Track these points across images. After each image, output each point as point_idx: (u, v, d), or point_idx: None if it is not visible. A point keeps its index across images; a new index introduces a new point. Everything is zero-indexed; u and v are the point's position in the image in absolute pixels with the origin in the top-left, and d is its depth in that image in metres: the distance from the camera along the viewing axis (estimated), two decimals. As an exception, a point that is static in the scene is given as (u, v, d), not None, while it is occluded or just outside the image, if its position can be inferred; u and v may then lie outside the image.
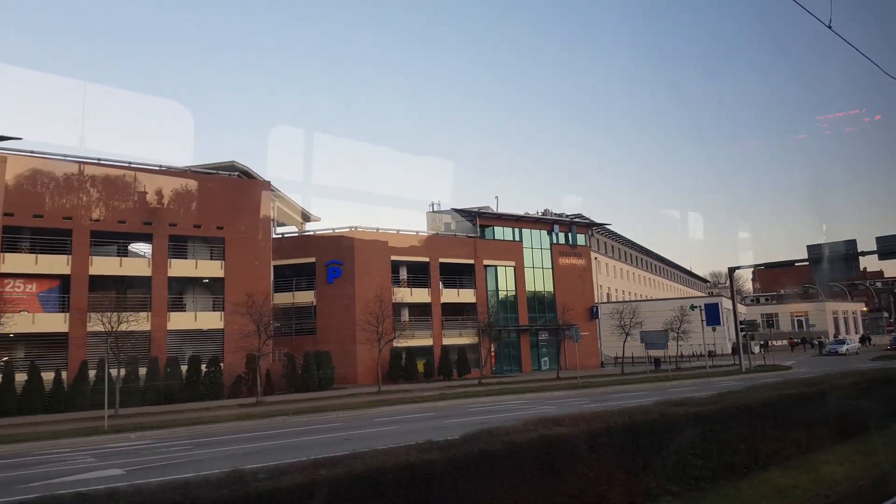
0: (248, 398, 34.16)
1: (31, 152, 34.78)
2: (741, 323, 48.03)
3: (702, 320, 46.79)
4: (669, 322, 45.89)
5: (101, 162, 36.58)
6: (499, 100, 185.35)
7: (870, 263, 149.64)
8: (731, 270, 51.91)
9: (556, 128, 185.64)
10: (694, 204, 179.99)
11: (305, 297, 45.26)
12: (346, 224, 47.99)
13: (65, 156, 35.63)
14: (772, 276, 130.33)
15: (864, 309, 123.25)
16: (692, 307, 47.82)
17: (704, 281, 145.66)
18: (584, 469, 7.63)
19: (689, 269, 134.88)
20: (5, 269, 33.14)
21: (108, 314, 29.21)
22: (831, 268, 43.51)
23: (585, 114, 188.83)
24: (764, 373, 40.35)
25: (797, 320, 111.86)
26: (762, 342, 75.19)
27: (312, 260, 45.34)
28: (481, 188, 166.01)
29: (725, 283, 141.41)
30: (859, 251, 40.45)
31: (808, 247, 43.12)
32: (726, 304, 57.49)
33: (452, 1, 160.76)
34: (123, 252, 37.78)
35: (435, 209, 56.53)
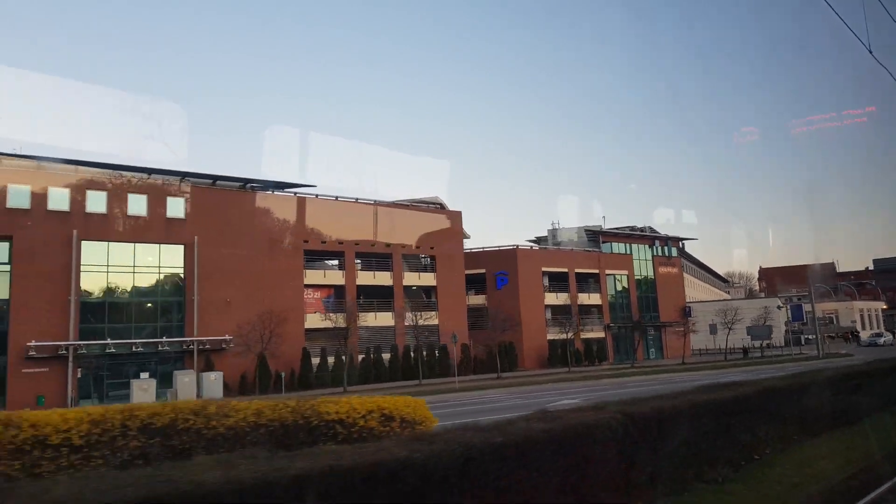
0: (489, 374, 46.35)
1: (317, 195, 46.93)
2: (819, 319, 60.19)
3: (788, 317, 58.88)
4: (756, 319, 58.07)
5: (359, 201, 48.72)
6: (490, 99, 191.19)
7: (871, 263, 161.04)
8: (807, 275, 64.05)
9: (552, 127, 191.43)
10: (688, 203, 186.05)
11: (477, 300, 57.26)
12: (493, 241, 59.98)
13: (336, 197, 47.79)
14: (779, 276, 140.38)
15: (885, 307, 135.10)
16: (778, 307, 59.93)
17: (724, 280, 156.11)
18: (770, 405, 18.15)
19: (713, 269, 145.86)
20: (306, 281, 45.32)
21: (372, 314, 41.52)
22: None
23: (581, 113, 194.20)
24: (837, 358, 52.08)
25: (828, 317, 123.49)
26: (808, 336, 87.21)
27: (483, 271, 57.36)
28: (475, 189, 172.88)
29: (739, 282, 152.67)
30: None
31: (875, 260, 55.08)
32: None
33: (449, 3, 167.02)
34: (375, 268, 49.81)
35: (554, 226, 68.64)
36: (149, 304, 40.24)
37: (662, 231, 72.17)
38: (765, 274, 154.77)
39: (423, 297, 52.03)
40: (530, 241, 70.11)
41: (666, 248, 68.66)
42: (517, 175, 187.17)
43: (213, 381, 31.09)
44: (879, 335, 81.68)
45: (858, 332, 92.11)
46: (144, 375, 38.55)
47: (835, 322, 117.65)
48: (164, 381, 38.21)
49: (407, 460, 5.63)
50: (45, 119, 45.92)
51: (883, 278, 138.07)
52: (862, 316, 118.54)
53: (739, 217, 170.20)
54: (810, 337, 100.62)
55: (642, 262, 66.13)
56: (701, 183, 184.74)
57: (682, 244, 72.53)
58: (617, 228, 67.51)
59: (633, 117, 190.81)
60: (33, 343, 34.65)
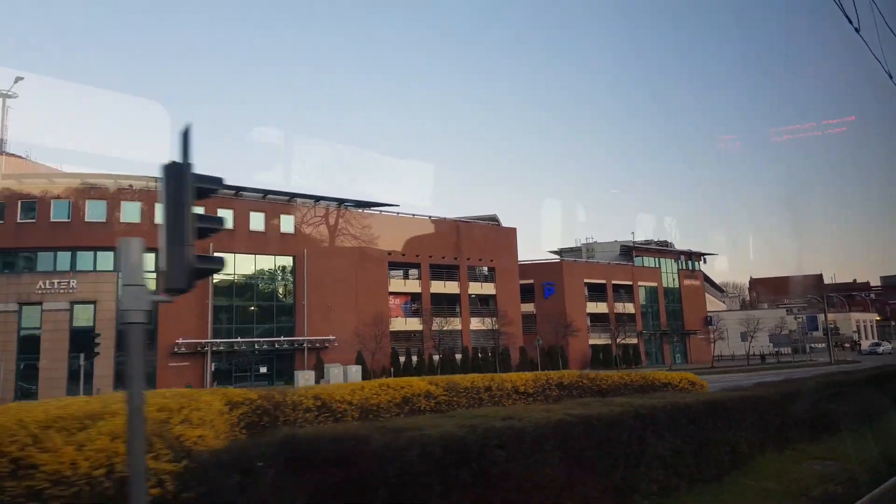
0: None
1: (398, 213, 53.06)
2: (833, 329, 66.74)
3: (802, 326, 65.36)
4: (772, 329, 64.58)
5: (431, 218, 54.87)
6: (474, 102, 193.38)
7: (860, 275, 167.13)
8: (823, 289, 70.61)
9: (535, 131, 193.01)
10: (673, 209, 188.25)
11: (527, 307, 63.37)
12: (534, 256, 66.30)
13: (413, 214, 53.95)
14: (771, 286, 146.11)
15: (878, 318, 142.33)
16: (796, 318, 66.43)
17: (721, 290, 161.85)
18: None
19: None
20: (389, 289, 51.38)
21: (442, 319, 47.76)
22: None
23: (563, 117, 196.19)
24: (847, 364, 58.43)
25: (825, 327, 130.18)
26: (811, 344, 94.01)
27: (531, 281, 63.51)
28: (466, 192, 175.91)
29: (734, 292, 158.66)
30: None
31: (882, 277, 61.70)
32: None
33: (435, 10, 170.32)
34: (444, 278, 55.87)
35: (588, 240, 75.03)
36: (265, 308, 46.19)
37: (658, 240, 78.82)
38: (755, 284, 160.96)
39: (485, 305, 58.16)
40: (552, 251, 76.51)
41: (689, 262, 75.15)
42: (500, 178, 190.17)
43: (354, 373, 36.92)
44: (878, 344, 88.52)
45: (859, 342, 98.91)
46: (263, 369, 44.64)
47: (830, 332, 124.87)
48: (281, 375, 44.35)
49: (723, 399, 11.67)
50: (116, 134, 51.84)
51: (888, 293, 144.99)
52: (858, 326, 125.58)
53: (724, 225, 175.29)
54: (814, 345, 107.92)
55: (669, 274, 72.55)
56: (685, 190, 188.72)
57: (704, 259, 79.03)
58: (645, 242, 73.96)
59: (615, 122, 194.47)
60: (181, 341, 40.56)
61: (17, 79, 33.31)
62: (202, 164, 5.14)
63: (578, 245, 78.02)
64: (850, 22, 9.88)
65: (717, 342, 65.42)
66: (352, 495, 5.28)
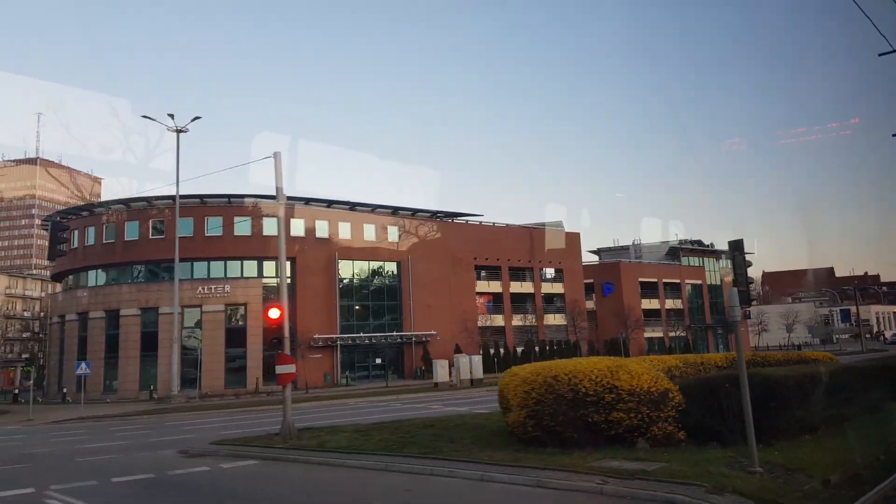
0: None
1: (480, 222, 59.11)
2: (863, 321, 72.31)
3: (837, 319, 70.92)
4: (807, 321, 70.29)
5: (508, 225, 60.83)
6: (481, 107, 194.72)
7: (871, 268, 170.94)
8: (857, 284, 76.16)
9: (542, 135, 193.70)
10: (677, 210, 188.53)
11: (588, 304, 69.30)
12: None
13: (493, 223, 59.99)
14: (782, 280, 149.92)
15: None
16: (830, 311, 72.04)
17: None
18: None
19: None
20: (476, 290, 57.48)
21: (524, 315, 53.64)
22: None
23: (568, 121, 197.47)
24: (878, 352, 63.82)
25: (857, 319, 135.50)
26: (837, 335, 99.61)
27: (591, 280, 69.37)
28: (462, 193, 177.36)
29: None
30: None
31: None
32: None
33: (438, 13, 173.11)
34: (521, 278, 61.87)
35: (636, 242, 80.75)
36: (377, 307, 52.36)
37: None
38: (767, 278, 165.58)
39: (552, 303, 64.15)
40: (591, 251, 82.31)
41: (729, 260, 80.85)
42: (506, 181, 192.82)
43: (476, 362, 42.81)
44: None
45: (883, 332, 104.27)
46: (377, 360, 50.90)
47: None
48: (391, 365, 50.64)
49: (861, 366, 17.55)
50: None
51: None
52: (878, 318, 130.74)
53: (730, 222, 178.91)
54: (840, 336, 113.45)
55: (711, 272, 78.25)
56: (690, 189, 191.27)
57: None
58: (687, 241, 79.73)
59: (621, 126, 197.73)
60: (317, 336, 46.80)
61: (195, 118, 39.08)
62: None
63: (615, 245, 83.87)
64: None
65: (754, 333, 71.06)
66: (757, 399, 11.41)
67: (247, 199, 47.17)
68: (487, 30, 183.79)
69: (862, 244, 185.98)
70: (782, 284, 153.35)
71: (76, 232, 48.55)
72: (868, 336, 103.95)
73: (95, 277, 48.60)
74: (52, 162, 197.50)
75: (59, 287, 57.41)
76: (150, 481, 12.23)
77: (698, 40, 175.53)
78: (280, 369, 17.44)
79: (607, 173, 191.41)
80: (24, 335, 67.45)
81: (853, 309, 77.57)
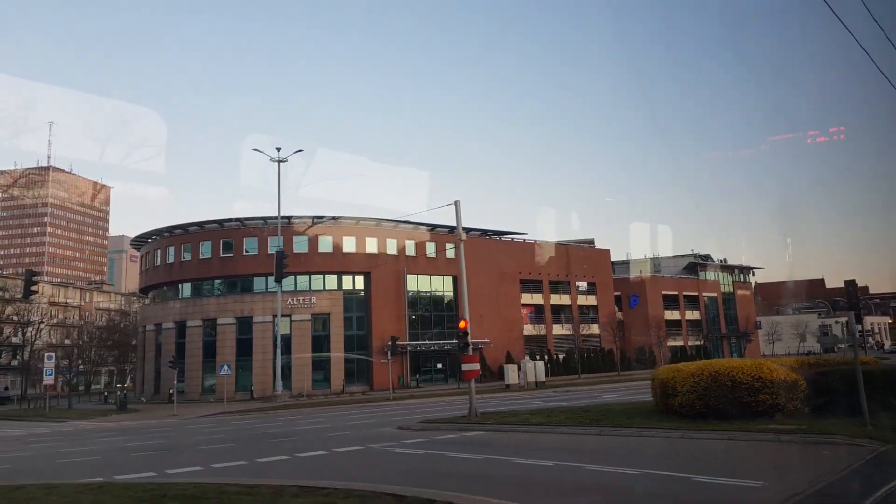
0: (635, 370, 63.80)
1: (524, 240, 64.43)
2: (864, 332, 78.04)
3: (843, 329, 76.42)
4: (815, 332, 75.85)
5: (548, 242, 66.23)
6: (465, 110, 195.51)
7: (858, 279, 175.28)
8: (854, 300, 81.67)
9: (530, 140, 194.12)
10: (665, 217, 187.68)
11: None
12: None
13: (535, 241, 65.33)
14: (773, 291, 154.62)
15: (891, 321, 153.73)
16: (836, 322, 77.71)
17: None
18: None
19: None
20: (521, 302, 62.76)
21: (562, 324, 58.97)
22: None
23: (556, 126, 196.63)
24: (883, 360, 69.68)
25: (859, 330, 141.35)
26: (839, 345, 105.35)
27: (619, 293, 74.83)
28: (452, 195, 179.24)
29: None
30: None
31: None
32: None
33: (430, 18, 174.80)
34: (559, 291, 67.23)
35: (655, 255, 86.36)
36: (437, 317, 57.54)
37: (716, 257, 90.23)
38: (759, 289, 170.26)
39: (586, 314, 69.53)
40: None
41: (742, 274, 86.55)
42: (495, 184, 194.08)
43: (540, 366, 47.97)
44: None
45: (883, 342, 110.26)
46: (439, 365, 56.00)
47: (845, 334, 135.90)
48: (449, 369, 55.73)
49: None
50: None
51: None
52: (872, 328, 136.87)
53: (717, 233, 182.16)
54: (840, 346, 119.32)
55: (725, 285, 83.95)
56: (678, 198, 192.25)
57: (753, 272, 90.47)
58: (703, 257, 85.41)
59: (610, 133, 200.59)
60: (389, 343, 51.87)
61: (297, 150, 44.04)
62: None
63: (627, 259, 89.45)
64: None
65: (764, 343, 76.52)
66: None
67: (325, 219, 52.33)
68: (477, 37, 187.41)
69: (849, 255, 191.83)
70: (774, 295, 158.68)
71: (171, 249, 53.48)
72: (866, 346, 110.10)
73: (186, 290, 53.55)
74: (63, 170, 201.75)
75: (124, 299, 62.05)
76: (418, 444, 17.21)
77: (686, 46, 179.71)
78: (466, 367, 22.70)
79: (596, 178, 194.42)
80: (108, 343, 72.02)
81: (852, 318, 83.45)
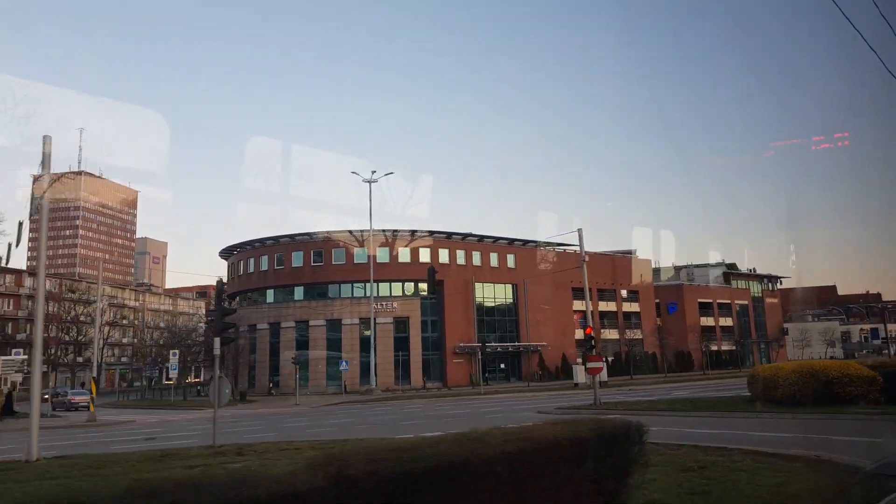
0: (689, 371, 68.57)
1: (576, 251, 69.33)
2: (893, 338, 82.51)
3: (865, 336, 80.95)
4: (837, 338, 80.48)
5: (597, 253, 71.15)
6: (466, 114, 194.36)
7: (871, 286, 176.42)
8: (861, 302, 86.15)
9: (530, 142, 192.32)
10: (667, 222, 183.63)
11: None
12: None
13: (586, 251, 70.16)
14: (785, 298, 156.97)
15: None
16: (861, 329, 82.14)
17: None
18: None
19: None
20: (573, 308, 67.72)
21: (608, 329, 63.89)
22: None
23: (558, 129, 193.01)
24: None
25: (863, 336, 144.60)
26: (861, 351, 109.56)
27: (658, 300, 79.58)
28: (454, 203, 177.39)
29: None
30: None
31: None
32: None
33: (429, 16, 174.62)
34: (605, 298, 72.08)
35: (690, 263, 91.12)
36: (500, 321, 62.64)
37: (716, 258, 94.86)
38: (766, 295, 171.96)
39: (632, 320, 74.42)
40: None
41: (770, 283, 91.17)
42: (496, 188, 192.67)
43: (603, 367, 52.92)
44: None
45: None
46: (502, 365, 61.02)
47: (867, 339, 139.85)
48: (510, 369, 60.76)
49: None
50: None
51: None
52: (889, 334, 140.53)
53: (720, 239, 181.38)
54: (863, 351, 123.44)
55: (755, 293, 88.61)
56: (681, 203, 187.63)
57: (780, 281, 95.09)
58: (727, 264, 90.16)
59: (612, 136, 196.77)
60: (461, 345, 57.02)
61: (388, 173, 49.28)
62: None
63: (657, 267, 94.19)
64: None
65: (790, 349, 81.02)
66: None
67: (400, 232, 57.55)
68: (477, 39, 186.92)
69: (859, 263, 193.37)
70: (784, 302, 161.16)
71: (264, 258, 58.88)
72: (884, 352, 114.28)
73: (275, 295, 58.91)
74: (93, 174, 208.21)
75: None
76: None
77: (690, 49, 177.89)
78: (590, 365, 27.76)
79: (598, 183, 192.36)
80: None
81: (882, 326, 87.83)
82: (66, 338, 77.13)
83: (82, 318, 78.87)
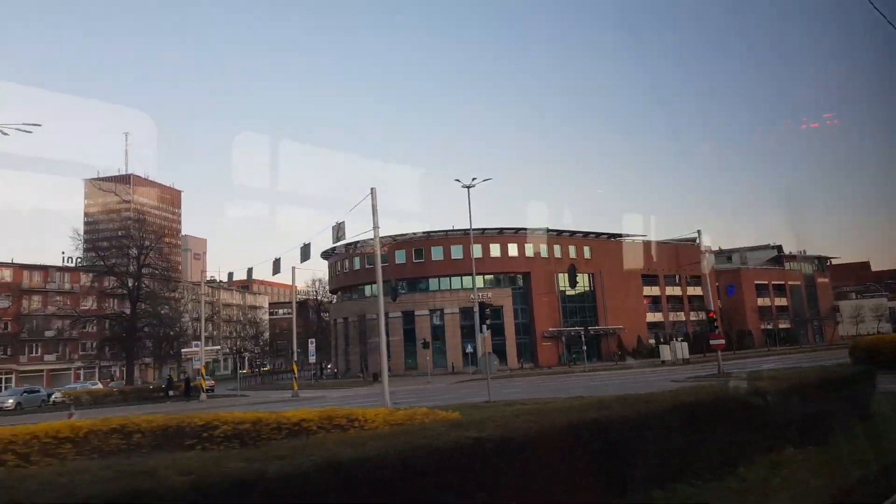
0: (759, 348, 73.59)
1: (642, 241, 74.69)
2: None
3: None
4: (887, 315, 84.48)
5: (659, 242, 76.37)
6: (453, 102, 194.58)
7: (883, 263, 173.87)
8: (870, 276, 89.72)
9: (520, 130, 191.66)
10: (656, 208, 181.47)
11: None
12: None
13: (651, 241, 75.51)
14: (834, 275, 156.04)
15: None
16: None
17: None
18: None
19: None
20: (643, 294, 73.06)
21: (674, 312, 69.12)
22: None
23: (547, 114, 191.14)
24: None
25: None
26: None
27: (717, 284, 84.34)
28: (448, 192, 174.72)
29: None
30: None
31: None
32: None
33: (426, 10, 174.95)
34: (671, 283, 77.24)
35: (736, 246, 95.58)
36: (580, 307, 68.36)
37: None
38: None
39: (693, 303, 79.47)
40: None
41: (820, 263, 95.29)
42: (487, 177, 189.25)
43: (682, 346, 58.35)
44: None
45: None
46: (584, 347, 66.73)
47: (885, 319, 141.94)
48: (590, 350, 66.46)
49: None
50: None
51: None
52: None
53: (716, 221, 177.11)
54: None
55: (807, 275, 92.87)
56: (671, 186, 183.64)
57: (830, 261, 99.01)
58: (773, 246, 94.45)
59: (602, 123, 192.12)
60: (549, 330, 62.86)
61: (486, 179, 54.91)
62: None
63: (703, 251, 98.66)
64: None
65: (843, 326, 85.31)
66: None
67: (487, 231, 63.37)
68: (471, 29, 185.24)
69: (852, 238, 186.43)
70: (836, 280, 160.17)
71: (357, 259, 65.31)
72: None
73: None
74: (140, 177, 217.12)
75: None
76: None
77: (683, 32, 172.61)
78: (713, 342, 33.34)
79: (587, 170, 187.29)
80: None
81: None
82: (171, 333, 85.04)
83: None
